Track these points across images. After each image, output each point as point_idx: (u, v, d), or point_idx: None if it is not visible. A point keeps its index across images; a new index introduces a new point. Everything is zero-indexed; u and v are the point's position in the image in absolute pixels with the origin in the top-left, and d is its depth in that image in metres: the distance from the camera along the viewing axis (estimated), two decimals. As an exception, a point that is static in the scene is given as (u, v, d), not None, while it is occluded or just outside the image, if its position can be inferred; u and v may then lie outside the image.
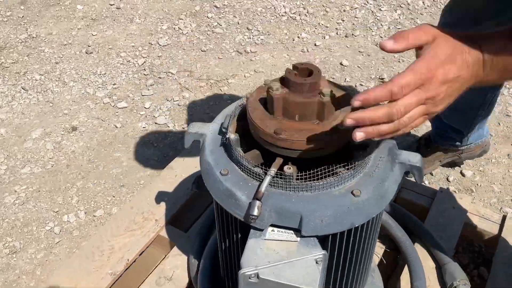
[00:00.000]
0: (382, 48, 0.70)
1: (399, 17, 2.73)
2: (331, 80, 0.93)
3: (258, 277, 0.80)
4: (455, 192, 1.75)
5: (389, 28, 2.65)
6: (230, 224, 0.94)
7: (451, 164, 1.82)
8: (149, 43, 2.62)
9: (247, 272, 0.80)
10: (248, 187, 0.87)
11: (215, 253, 1.29)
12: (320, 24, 2.71)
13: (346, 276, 1.00)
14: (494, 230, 1.44)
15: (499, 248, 1.39)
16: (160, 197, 1.51)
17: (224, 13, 2.86)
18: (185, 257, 1.33)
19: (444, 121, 1.64)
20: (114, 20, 2.81)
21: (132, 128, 2.06)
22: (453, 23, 1.45)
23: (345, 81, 2.28)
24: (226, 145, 0.94)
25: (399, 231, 1.37)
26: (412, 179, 1.12)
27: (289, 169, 0.85)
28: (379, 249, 1.38)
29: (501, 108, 2.11)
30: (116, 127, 2.06)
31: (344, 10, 2.79)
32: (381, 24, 2.68)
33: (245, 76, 2.35)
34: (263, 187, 0.84)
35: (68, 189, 1.79)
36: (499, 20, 1.32)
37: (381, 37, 2.58)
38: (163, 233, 1.42)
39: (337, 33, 2.63)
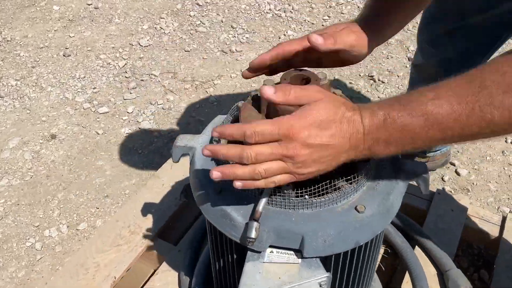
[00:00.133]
0: (262, 94, 0.68)
1: (386, 12, 2.67)
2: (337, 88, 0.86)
3: (259, 306, 0.74)
4: (451, 192, 1.70)
5: (376, 23, 2.59)
6: (225, 245, 0.88)
7: None
8: (129, 44, 2.52)
9: (246, 301, 0.74)
10: (244, 206, 0.80)
11: (208, 269, 1.22)
12: (306, 21, 2.64)
13: (350, 293, 0.94)
14: (495, 232, 1.40)
15: (501, 250, 1.35)
16: (147, 208, 1.44)
17: (207, 11, 2.78)
18: (176, 273, 1.26)
19: None
20: (92, 21, 2.70)
21: (115, 135, 1.97)
22: (436, 18, 1.41)
23: (334, 79, 2.23)
24: (218, 160, 0.87)
25: (398, 237, 1.32)
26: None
27: (288, 185, 0.79)
28: (376, 255, 1.33)
29: (493, 103, 2.07)
30: (98, 133, 1.97)
31: (330, 6, 2.73)
32: (368, 20, 2.62)
33: (231, 77, 2.28)
34: (260, 207, 0.77)
35: (48, 201, 1.70)
36: (490, 14, 1.28)
37: (368, 32, 2.53)
38: (152, 247, 1.35)
39: (323, 30, 2.56)
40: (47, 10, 2.78)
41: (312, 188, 0.79)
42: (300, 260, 0.79)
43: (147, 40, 2.54)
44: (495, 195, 1.69)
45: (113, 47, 2.49)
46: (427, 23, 1.46)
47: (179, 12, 2.78)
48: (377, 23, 0.87)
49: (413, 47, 2.40)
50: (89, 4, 2.83)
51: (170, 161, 1.58)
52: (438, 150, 1.69)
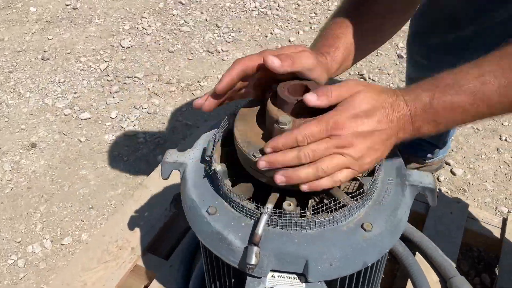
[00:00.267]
0: (306, 103, 0.68)
1: (373, 7, 2.62)
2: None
3: None
4: (447, 193, 1.67)
5: (364, 19, 2.54)
6: (221, 269, 0.81)
7: None
8: (111, 45, 2.44)
9: (249, 334, 0.68)
10: (242, 228, 0.74)
11: (203, 284, 1.16)
12: (293, 18, 2.58)
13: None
14: (496, 234, 1.36)
15: (504, 253, 1.31)
16: (135, 221, 1.37)
17: (190, 10, 2.70)
18: (168, 291, 1.20)
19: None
20: (71, 22, 2.61)
21: (98, 142, 1.89)
22: (427, 29, 1.33)
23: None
24: (211, 177, 0.81)
25: (399, 243, 1.27)
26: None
27: (289, 205, 0.73)
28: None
29: (486, 99, 2.04)
30: (80, 141, 1.89)
31: (316, 3, 2.68)
32: (356, 16, 2.57)
33: (218, 78, 2.21)
34: (260, 229, 0.71)
35: (30, 215, 1.62)
36: (482, 24, 1.21)
37: (356, 29, 2.48)
38: (141, 263, 1.28)
39: (311, 28, 2.51)
40: (24, 12, 2.68)
41: (315, 206, 0.74)
42: (304, 284, 0.73)
43: (129, 41, 2.46)
44: (492, 195, 1.66)
45: (93, 49, 2.40)
46: (418, 34, 1.37)
47: (162, 11, 2.70)
48: (332, 52, 0.85)
49: (402, 43, 2.36)
50: (67, 5, 2.73)
51: (158, 169, 1.51)
52: (436, 157, 1.64)
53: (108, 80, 2.20)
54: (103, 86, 2.17)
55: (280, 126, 0.69)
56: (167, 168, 0.86)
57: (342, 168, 0.69)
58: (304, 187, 0.69)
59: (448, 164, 1.76)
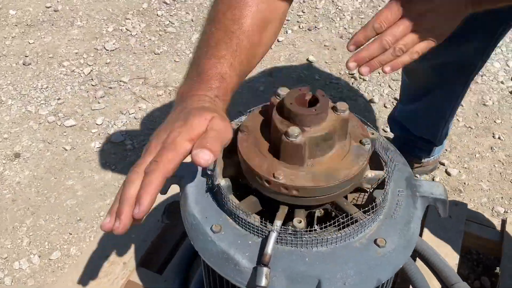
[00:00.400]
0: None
1: (361, 6, 2.60)
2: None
3: None
4: (444, 194, 1.65)
5: (352, 18, 2.52)
6: (227, 289, 0.77)
7: None
8: (94, 48, 2.36)
9: None
10: (249, 247, 0.70)
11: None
12: (280, 18, 2.54)
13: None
14: (496, 236, 1.35)
15: (505, 256, 1.29)
16: (126, 234, 1.31)
17: (175, 10, 2.64)
18: (164, 307, 1.15)
19: (414, 133, 1.55)
20: (52, 25, 2.52)
21: (84, 150, 1.83)
22: None
23: (314, 79, 2.14)
24: (213, 191, 0.77)
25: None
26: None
27: (300, 222, 0.69)
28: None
29: (477, 97, 2.03)
30: (66, 149, 1.82)
31: (303, 1, 2.64)
32: (344, 15, 2.55)
33: (206, 81, 2.15)
34: (269, 248, 0.67)
35: (16, 229, 1.55)
36: None
37: (345, 28, 2.45)
38: (134, 278, 1.23)
39: (299, 27, 2.47)
40: (3, 15, 2.58)
41: (328, 224, 0.70)
42: (316, 305, 0.69)
43: (113, 44, 2.39)
44: (488, 195, 1.64)
45: (76, 53, 2.33)
46: None
47: (146, 11, 2.64)
48: None
49: (391, 42, 2.34)
50: (48, 7, 2.64)
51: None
52: (431, 157, 1.62)
53: (93, 85, 2.14)
54: (87, 91, 2.10)
55: (290, 139, 0.65)
56: (166, 183, 0.81)
57: (418, 42, 0.78)
58: (387, 69, 0.79)
59: (443, 164, 1.75)
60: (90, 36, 2.45)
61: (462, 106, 1.95)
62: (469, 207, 1.38)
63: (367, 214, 0.70)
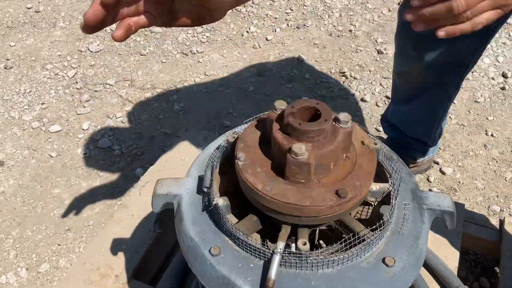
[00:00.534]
0: None
1: (349, 3, 2.57)
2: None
3: None
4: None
5: (340, 15, 2.48)
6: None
7: None
8: (78, 50, 2.30)
9: None
10: (251, 270, 0.66)
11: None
12: (269, 15, 2.50)
13: None
14: (494, 237, 1.33)
15: (504, 257, 1.27)
16: (118, 245, 1.27)
17: (160, 9, 2.58)
18: (158, 322, 1.11)
19: (407, 134, 1.52)
20: (34, 26, 2.45)
21: (71, 156, 1.77)
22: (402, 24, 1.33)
23: (305, 78, 2.10)
24: (210, 209, 0.73)
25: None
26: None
27: (304, 244, 0.65)
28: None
29: (469, 94, 2.01)
30: (51, 156, 1.76)
31: (291, -2, 2.60)
32: (332, 12, 2.51)
33: (195, 81, 2.11)
34: (273, 273, 0.63)
35: (2, 241, 1.49)
36: None
37: (334, 26, 2.42)
38: (127, 292, 1.19)
39: (288, 25, 2.43)
40: (-19, 17, 2.50)
41: (333, 243, 0.67)
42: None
43: (98, 45, 2.32)
44: (483, 194, 1.63)
45: (60, 55, 2.26)
46: (408, 25, 1.34)
47: (130, 11, 2.57)
48: None
49: (381, 38, 2.31)
50: (29, 8, 2.56)
51: (137, 185, 1.42)
52: (426, 156, 1.60)
53: (78, 88, 2.07)
54: (72, 95, 2.04)
55: (295, 157, 0.61)
56: (159, 201, 0.78)
57: (488, 10, 0.67)
58: (441, 33, 0.68)
59: (437, 163, 1.73)
60: (73, 38, 2.38)
61: (454, 103, 1.94)
62: (472, 213, 1.36)
63: (375, 232, 0.66)
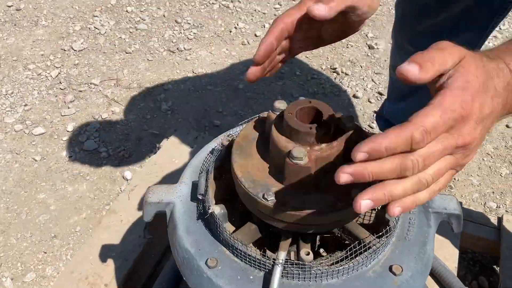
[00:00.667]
0: (404, 78, 0.52)
1: (338, -3, 2.53)
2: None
3: None
4: (435, 191, 1.60)
5: (330, 9, 2.44)
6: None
7: None
8: (61, 49, 2.23)
9: None
10: (251, 283, 0.62)
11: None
12: (257, 10, 2.45)
13: None
14: (492, 235, 1.30)
15: (503, 256, 1.25)
16: (107, 252, 1.22)
17: (145, 5, 2.52)
18: (150, 332, 1.07)
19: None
20: (15, 25, 2.37)
21: (55, 160, 1.71)
22: (416, 12, 1.28)
23: (295, 74, 2.06)
24: (206, 217, 0.68)
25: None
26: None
27: (308, 254, 0.61)
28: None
29: (461, 89, 1.99)
30: (35, 160, 1.70)
31: (279, -7, 2.55)
32: (321, 6, 2.47)
33: (183, 79, 2.05)
34: (275, 285, 0.59)
35: (-16, 250, 1.43)
36: (437, 19, 1.19)
37: (323, 20, 2.38)
38: (118, 301, 1.14)
39: (276, 20, 2.38)
40: (-41, 15, 2.42)
41: (333, 250, 0.63)
42: None
43: (81, 44, 2.26)
44: (479, 190, 1.60)
45: (42, 55, 2.19)
46: (405, 20, 1.31)
47: (114, 8, 2.51)
48: None
49: (371, 33, 2.28)
50: (9, 6, 2.48)
51: (126, 189, 1.37)
52: None
53: (61, 89, 2.01)
54: (56, 96, 1.97)
55: (295, 161, 0.57)
56: (151, 210, 0.73)
57: (445, 173, 0.52)
58: (395, 211, 0.48)
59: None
60: (56, 36, 2.31)
61: (447, 98, 1.91)
62: (470, 211, 1.34)
63: (380, 239, 0.63)
